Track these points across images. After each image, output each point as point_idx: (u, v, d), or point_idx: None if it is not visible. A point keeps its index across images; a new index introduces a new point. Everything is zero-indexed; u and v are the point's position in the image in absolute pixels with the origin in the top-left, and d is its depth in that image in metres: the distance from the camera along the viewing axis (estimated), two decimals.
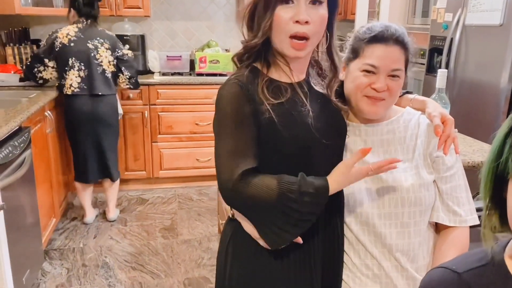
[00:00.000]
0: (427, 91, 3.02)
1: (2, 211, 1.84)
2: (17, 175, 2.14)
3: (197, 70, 3.91)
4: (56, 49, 2.94)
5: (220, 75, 3.91)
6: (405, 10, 4.00)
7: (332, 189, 1.00)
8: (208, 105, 3.66)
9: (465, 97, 2.81)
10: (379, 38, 1.09)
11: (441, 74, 1.73)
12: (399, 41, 1.09)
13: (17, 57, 3.59)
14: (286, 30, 1.01)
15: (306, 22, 0.99)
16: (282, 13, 1.00)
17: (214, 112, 1.07)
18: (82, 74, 2.94)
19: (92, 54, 2.95)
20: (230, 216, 1.15)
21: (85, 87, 2.94)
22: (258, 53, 1.07)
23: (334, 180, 1.01)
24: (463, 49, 2.89)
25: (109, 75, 3.02)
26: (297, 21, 0.99)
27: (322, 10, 1.02)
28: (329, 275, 1.15)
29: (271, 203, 0.97)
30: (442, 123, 1.13)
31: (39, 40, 3.82)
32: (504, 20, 2.70)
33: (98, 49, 2.97)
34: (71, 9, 3.03)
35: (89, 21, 3.02)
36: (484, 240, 0.70)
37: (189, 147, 3.86)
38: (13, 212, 2.09)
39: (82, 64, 2.93)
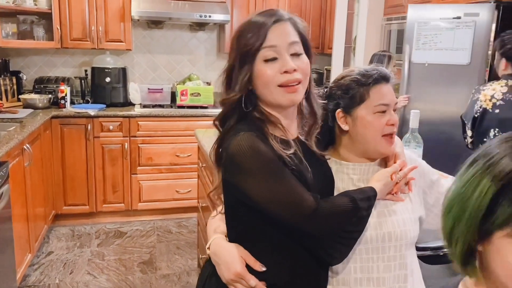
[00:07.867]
0: (403, 125, 3.10)
1: None
2: None
3: (178, 102, 3.96)
4: (476, 115, 2.35)
5: (201, 107, 3.97)
6: (380, 46, 4.16)
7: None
8: (188, 137, 3.68)
9: (434, 134, 2.92)
10: (380, 78, 1.16)
11: (414, 114, 1.81)
12: (389, 79, 1.19)
13: None
14: (274, 81, 1.05)
15: (295, 70, 1.06)
16: (268, 69, 1.05)
17: (235, 168, 1.04)
18: None
19: None
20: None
21: None
22: (241, 112, 1.09)
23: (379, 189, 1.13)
24: (433, 87, 3.05)
25: None
26: (285, 71, 1.05)
27: (304, 59, 1.10)
28: None
29: (348, 214, 1.06)
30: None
31: (19, 72, 3.82)
32: (471, 59, 2.86)
33: None
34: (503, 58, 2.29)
35: None
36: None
37: (169, 179, 3.86)
38: None
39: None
